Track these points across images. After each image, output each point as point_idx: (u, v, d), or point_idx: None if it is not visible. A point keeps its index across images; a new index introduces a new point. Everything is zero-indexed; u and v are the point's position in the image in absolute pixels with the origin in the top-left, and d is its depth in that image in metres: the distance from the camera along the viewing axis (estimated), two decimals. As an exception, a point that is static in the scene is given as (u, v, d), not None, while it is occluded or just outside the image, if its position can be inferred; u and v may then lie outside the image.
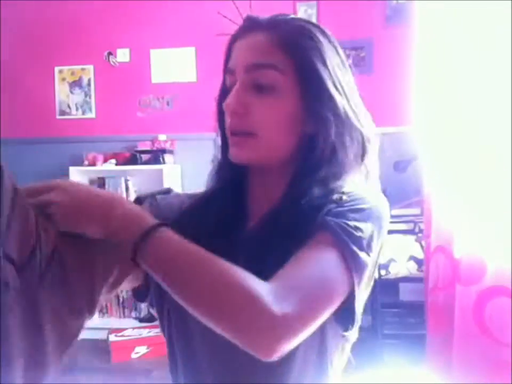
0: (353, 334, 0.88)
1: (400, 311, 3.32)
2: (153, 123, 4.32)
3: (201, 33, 4.16)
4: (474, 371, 2.03)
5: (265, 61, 0.85)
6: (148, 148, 4.22)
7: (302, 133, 0.87)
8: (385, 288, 3.16)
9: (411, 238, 3.20)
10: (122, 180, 4.15)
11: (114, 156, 4.22)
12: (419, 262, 3.15)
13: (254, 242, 0.85)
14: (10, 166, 0.71)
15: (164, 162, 4.12)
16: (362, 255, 0.79)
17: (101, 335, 3.63)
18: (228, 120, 0.88)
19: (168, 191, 1.00)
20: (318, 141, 0.86)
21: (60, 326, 0.77)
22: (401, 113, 3.58)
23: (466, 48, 2.08)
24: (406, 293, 3.26)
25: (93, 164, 4.16)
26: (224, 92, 0.89)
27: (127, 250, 0.75)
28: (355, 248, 0.79)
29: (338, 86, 0.87)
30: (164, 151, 4.16)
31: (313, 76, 0.85)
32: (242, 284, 0.71)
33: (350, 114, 0.87)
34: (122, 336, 3.62)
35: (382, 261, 3.12)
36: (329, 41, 0.89)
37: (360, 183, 0.89)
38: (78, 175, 4.11)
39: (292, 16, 0.91)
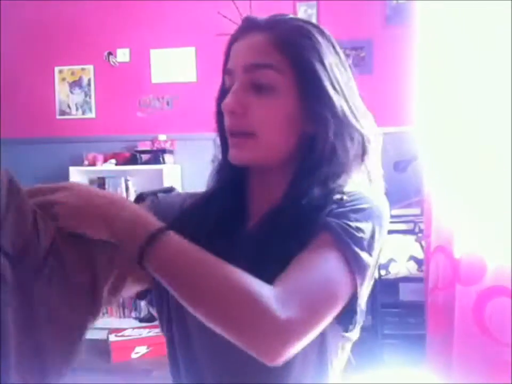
0: (354, 334, 0.88)
1: (400, 311, 3.32)
2: (153, 123, 4.32)
3: (201, 33, 4.16)
4: (474, 371, 2.03)
5: (263, 61, 0.85)
6: (148, 148, 4.22)
7: (301, 132, 0.87)
8: (385, 288, 3.16)
9: (411, 238, 3.20)
10: (122, 180, 4.15)
11: (114, 155, 4.22)
12: (419, 262, 3.15)
13: (254, 242, 0.85)
14: (10, 166, 0.71)
15: (164, 162, 4.12)
16: (364, 255, 0.79)
17: (101, 335, 3.63)
18: (226, 120, 0.88)
19: (170, 189, 1.00)
20: (317, 141, 0.86)
21: (60, 324, 0.77)
22: (401, 113, 3.58)
23: (467, 48, 2.08)
24: (406, 293, 3.25)
25: (93, 163, 4.16)
26: (224, 93, 0.89)
27: (132, 253, 0.75)
28: (357, 249, 0.79)
29: (336, 86, 0.86)
30: (164, 151, 4.16)
31: (311, 76, 0.85)
32: (248, 288, 0.72)
33: (348, 114, 0.86)
34: (122, 336, 3.62)
35: (382, 261, 3.12)
36: (328, 41, 0.89)
37: (360, 183, 0.89)
38: (78, 175, 4.11)
39: (291, 16, 0.91)
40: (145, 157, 4.16)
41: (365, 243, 0.80)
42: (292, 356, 0.73)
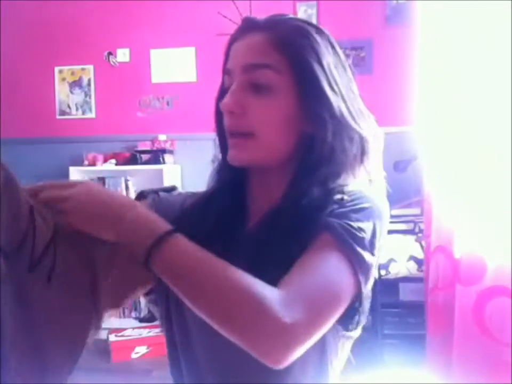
0: (355, 333, 0.88)
1: (400, 311, 3.32)
2: (153, 123, 4.32)
3: (201, 33, 4.16)
4: (474, 371, 2.03)
5: (261, 61, 0.85)
6: (148, 148, 4.22)
7: (300, 132, 0.87)
8: (385, 288, 3.15)
9: (411, 238, 3.20)
10: (122, 180, 4.15)
11: (114, 155, 4.22)
12: (419, 262, 3.15)
13: (254, 242, 0.85)
14: (10, 166, 0.71)
15: (164, 162, 4.12)
16: (366, 255, 0.79)
17: (101, 335, 3.66)
18: (226, 120, 0.88)
19: (172, 189, 1.01)
20: (316, 141, 0.86)
21: (59, 324, 0.77)
22: (401, 113, 3.58)
23: (467, 48, 2.08)
24: (406, 293, 3.25)
25: (93, 163, 4.16)
26: (223, 93, 0.89)
27: (138, 255, 0.75)
28: (359, 250, 0.79)
29: (334, 86, 0.86)
30: (164, 151, 4.16)
31: (308, 76, 0.85)
32: (253, 291, 0.72)
33: (346, 115, 0.86)
34: (122, 336, 3.62)
35: (382, 261, 3.12)
36: (327, 41, 0.89)
37: (360, 183, 0.89)
38: (78, 175, 4.11)
39: (290, 16, 0.91)
40: (145, 157, 4.16)
41: (367, 243, 0.80)
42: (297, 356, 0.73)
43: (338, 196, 0.84)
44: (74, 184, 0.81)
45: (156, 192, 0.97)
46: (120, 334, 3.62)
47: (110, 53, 4.37)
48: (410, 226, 3.19)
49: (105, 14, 4.32)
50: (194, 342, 0.89)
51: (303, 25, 0.88)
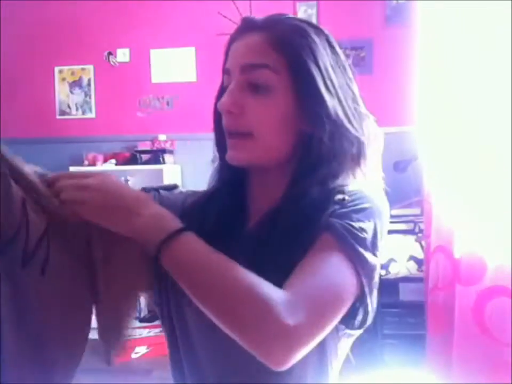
0: (358, 331, 0.88)
1: (400, 311, 3.31)
2: (153, 123, 4.33)
3: (201, 33, 4.16)
4: (474, 371, 2.03)
5: (259, 61, 0.85)
6: (148, 148, 4.22)
7: (298, 132, 0.87)
8: (385, 288, 3.15)
9: (411, 238, 3.20)
10: (122, 179, 4.15)
11: (114, 155, 4.22)
12: (419, 262, 3.15)
13: (253, 242, 0.85)
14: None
15: (164, 162, 4.12)
16: (368, 256, 0.79)
17: (101, 335, 3.66)
18: (224, 120, 0.88)
19: (173, 187, 1.01)
20: (314, 141, 0.86)
21: (57, 318, 0.77)
22: (401, 113, 3.59)
23: (467, 48, 2.08)
24: (406, 293, 3.25)
25: (93, 164, 4.16)
26: (222, 93, 0.89)
27: (150, 250, 0.77)
28: (362, 250, 0.79)
29: (330, 87, 0.86)
30: (164, 151, 4.16)
31: (305, 76, 0.85)
32: (259, 292, 0.72)
33: (341, 115, 0.86)
34: (122, 336, 3.62)
35: (382, 261, 3.12)
36: (325, 41, 0.88)
37: (360, 183, 0.89)
38: (78, 175, 4.10)
39: (288, 16, 0.91)
40: (145, 157, 4.17)
41: (369, 243, 0.80)
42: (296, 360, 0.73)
43: (339, 196, 0.84)
44: (91, 174, 0.82)
45: (156, 189, 0.97)
46: (120, 334, 3.62)
47: (110, 53, 4.37)
48: (410, 226, 3.19)
49: (105, 14, 4.32)
50: (195, 342, 0.89)
51: (301, 25, 0.88)
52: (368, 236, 0.80)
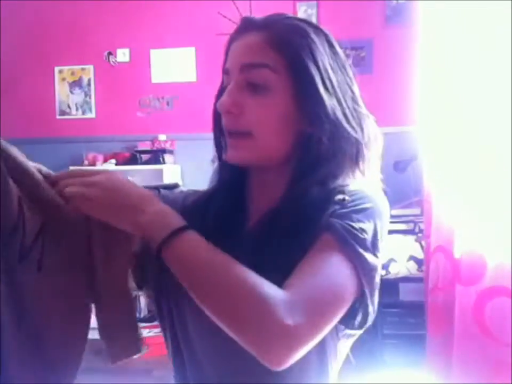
0: (359, 331, 0.88)
1: (400, 311, 3.31)
2: (153, 123, 4.32)
3: (201, 33, 4.16)
4: (474, 371, 2.03)
5: (258, 60, 0.85)
6: (148, 148, 4.22)
7: (298, 132, 0.87)
8: (385, 288, 3.13)
9: (411, 238, 3.20)
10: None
11: (114, 155, 4.22)
12: (419, 262, 3.15)
13: (253, 242, 0.85)
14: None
15: (164, 162, 4.12)
16: (368, 256, 0.80)
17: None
18: (223, 120, 0.88)
19: (174, 186, 1.01)
20: (313, 140, 0.86)
21: (57, 317, 0.77)
22: (401, 113, 3.59)
23: (468, 47, 2.08)
24: (406, 293, 3.25)
25: (93, 164, 4.16)
26: (222, 93, 0.89)
27: (152, 246, 0.77)
28: (362, 251, 0.79)
29: (329, 86, 0.86)
30: (164, 151, 4.16)
31: (304, 75, 0.85)
32: (260, 291, 0.72)
33: (339, 115, 0.86)
34: (122, 336, 3.61)
35: (382, 261, 3.12)
36: (325, 41, 0.88)
37: (360, 183, 0.89)
38: (78, 175, 4.10)
39: (287, 15, 0.91)
40: (145, 157, 4.16)
41: (369, 243, 0.80)
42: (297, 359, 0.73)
43: (339, 196, 0.83)
44: (97, 172, 0.83)
45: (157, 188, 0.97)
46: (120, 334, 3.61)
47: (110, 53, 4.37)
48: (410, 226, 3.19)
49: (105, 14, 4.32)
50: (195, 342, 0.89)
51: (300, 25, 0.88)
52: (369, 236, 0.80)
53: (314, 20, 3.91)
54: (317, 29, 0.89)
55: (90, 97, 4.44)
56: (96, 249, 0.80)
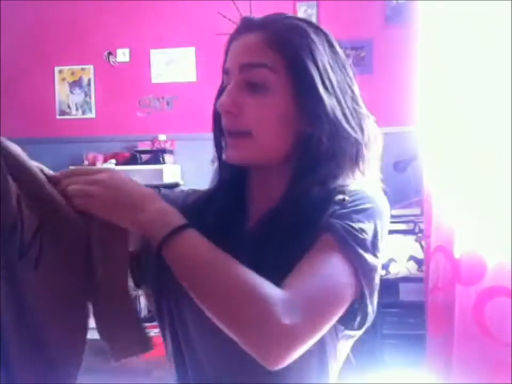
0: (359, 332, 0.88)
1: (400, 311, 3.31)
2: (153, 123, 4.32)
3: (201, 33, 4.16)
4: (474, 371, 2.03)
5: (257, 60, 0.85)
6: (148, 148, 4.22)
7: (297, 131, 0.87)
8: (385, 288, 3.13)
9: (411, 238, 3.20)
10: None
11: (114, 155, 4.22)
12: (419, 262, 3.15)
13: (253, 242, 0.85)
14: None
15: (164, 162, 4.12)
16: (368, 257, 0.79)
17: (101, 335, 3.65)
18: (223, 120, 0.88)
19: (175, 185, 1.01)
20: (313, 140, 0.86)
21: (55, 317, 0.77)
22: (401, 113, 3.59)
23: (468, 48, 2.08)
24: (406, 293, 3.25)
25: (93, 164, 4.16)
26: (222, 93, 0.89)
27: (154, 244, 0.78)
28: (361, 252, 0.79)
29: (328, 85, 0.86)
30: (164, 151, 4.16)
31: (303, 74, 0.85)
32: (258, 291, 0.73)
33: (339, 115, 0.86)
34: (122, 336, 3.60)
35: (382, 261, 3.12)
36: (324, 40, 0.88)
37: (360, 183, 0.89)
38: (78, 175, 4.10)
39: (287, 15, 0.91)
40: (145, 157, 4.16)
41: (369, 244, 0.80)
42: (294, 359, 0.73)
43: (339, 197, 0.83)
44: (100, 170, 0.83)
45: (157, 187, 0.97)
46: (120, 334, 3.61)
47: (110, 53, 4.37)
48: (410, 226, 3.19)
49: (105, 14, 4.32)
50: (195, 342, 0.89)
51: (300, 24, 0.88)
52: (368, 236, 0.80)
53: (314, 20, 3.91)
54: (316, 28, 0.89)
55: (90, 97, 4.44)
56: (95, 249, 0.80)
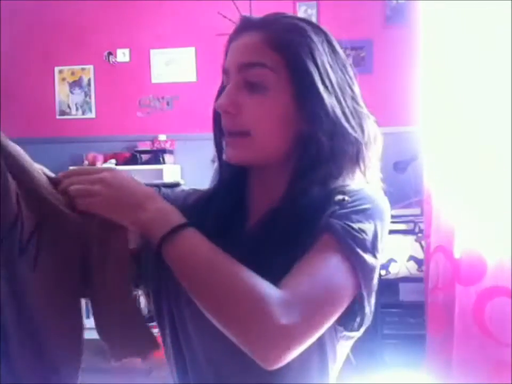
0: (358, 333, 0.88)
1: (400, 311, 3.31)
2: (153, 123, 4.32)
3: (201, 33, 4.16)
4: (474, 371, 2.03)
5: (256, 59, 0.85)
6: (148, 148, 4.22)
7: (297, 131, 0.87)
8: (385, 288, 3.15)
9: (411, 238, 3.20)
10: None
11: (114, 156, 4.22)
12: (419, 262, 3.15)
13: (253, 242, 0.85)
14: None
15: (164, 162, 4.11)
16: (367, 257, 0.79)
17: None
18: (222, 120, 0.88)
19: (176, 184, 1.01)
20: (312, 140, 0.85)
21: (54, 316, 0.77)
22: (401, 113, 3.59)
23: (468, 48, 2.08)
24: (406, 293, 3.25)
25: (93, 164, 4.16)
26: (222, 93, 0.89)
27: (153, 243, 0.78)
28: (360, 252, 0.79)
29: (328, 85, 0.85)
30: (164, 151, 4.16)
31: (302, 74, 0.85)
32: (256, 290, 0.73)
33: (339, 114, 0.85)
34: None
35: (382, 261, 3.12)
36: (324, 40, 0.88)
37: (359, 183, 0.89)
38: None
39: (286, 14, 0.91)
40: (145, 157, 4.16)
41: (368, 244, 0.80)
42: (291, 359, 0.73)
43: (339, 197, 0.83)
44: (102, 169, 0.84)
45: (157, 186, 0.97)
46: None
47: (110, 53, 4.37)
48: (410, 226, 3.19)
49: (105, 14, 4.32)
50: (194, 342, 0.89)
51: (299, 24, 0.88)
52: (368, 237, 0.80)
53: (314, 20, 3.91)
54: (316, 28, 0.89)
55: (90, 97, 4.44)
56: (94, 249, 0.80)
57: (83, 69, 4.43)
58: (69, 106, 4.46)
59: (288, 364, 0.74)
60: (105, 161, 4.18)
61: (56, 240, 0.78)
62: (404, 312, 3.31)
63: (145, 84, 4.34)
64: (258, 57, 0.85)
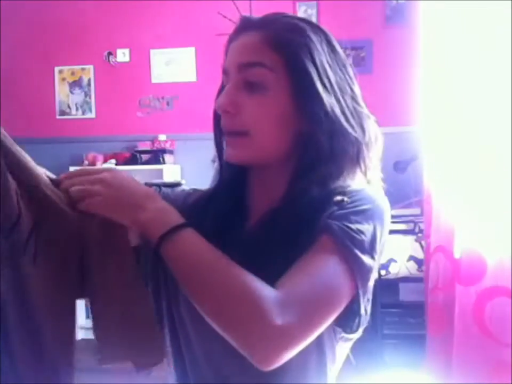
0: (356, 334, 0.88)
1: (400, 311, 3.31)
2: (153, 123, 4.32)
3: (201, 33, 4.16)
4: (474, 371, 2.03)
5: (255, 59, 0.85)
6: (148, 148, 4.22)
7: (296, 131, 0.87)
8: (385, 288, 3.15)
9: (411, 238, 3.20)
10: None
11: (114, 156, 4.22)
12: (419, 262, 3.15)
13: (253, 242, 0.85)
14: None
15: (164, 162, 4.12)
16: (365, 258, 0.79)
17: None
18: (222, 120, 0.88)
19: (176, 184, 1.01)
20: (312, 139, 0.85)
21: (53, 308, 0.77)
22: (401, 113, 3.59)
23: (468, 47, 2.08)
24: (406, 293, 3.25)
25: (93, 164, 4.16)
26: (221, 92, 0.89)
27: (152, 243, 0.79)
28: (358, 253, 0.79)
29: (327, 84, 0.85)
30: (164, 151, 4.16)
31: (301, 74, 0.85)
32: (252, 290, 0.73)
33: (338, 113, 0.85)
34: (122, 336, 3.60)
35: (382, 261, 3.11)
36: (323, 39, 0.88)
37: (360, 183, 0.89)
38: (78, 175, 4.10)
39: (285, 14, 0.91)
40: (145, 157, 4.16)
41: (366, 245, 0.80)
42: (287, 359, 0.73)
43: (338, 198, 0.83)
44: (101, 170, 0.84)
45: (158, 186, 0.97)
46: (120, 334, 3.61)
47: (110, 53, 4.37)
48: (410, 226, 3.19)
49: (105, 14, 4.32)
50: (193, 342, 0.89)
51: (298, 23, 0.88)
52: (366, 238, 0.80)
53: (314, 20, 3.91)
54: (315, 28, 0.89)
55: (90, 97, 4.44)
56: (94, 249, 0.80)
57: (83, 69, 4.43)
58: (69, 106, 4.46)
59: (286, 364, 0.74)
60: (105, 161, 4.18)
61: (55, 240, 0.78)
62: (404, 312, 3.31)
63: (145, 84, 4.34)
64: (258, 57, 0.85)
